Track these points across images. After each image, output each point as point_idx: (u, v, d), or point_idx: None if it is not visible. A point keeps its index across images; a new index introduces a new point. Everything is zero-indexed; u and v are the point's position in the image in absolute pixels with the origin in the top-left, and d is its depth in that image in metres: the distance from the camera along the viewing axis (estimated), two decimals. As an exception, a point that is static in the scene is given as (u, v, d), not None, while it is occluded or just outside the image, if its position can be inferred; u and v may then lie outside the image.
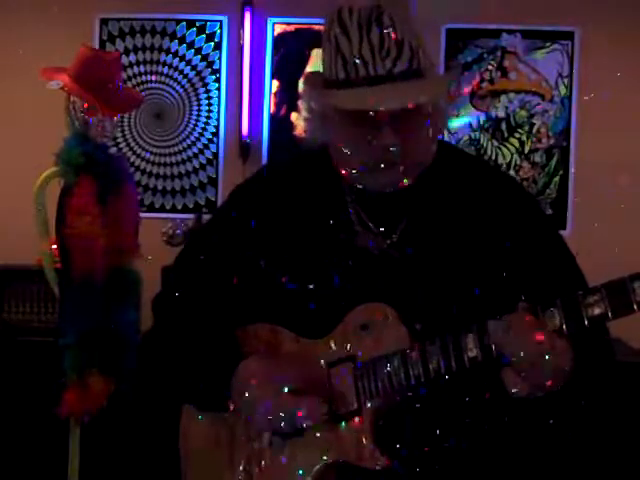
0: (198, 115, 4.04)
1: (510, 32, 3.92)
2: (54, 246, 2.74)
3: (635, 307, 1.14)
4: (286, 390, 1.29)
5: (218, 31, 4.02)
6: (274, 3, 4.00)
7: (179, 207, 4.05)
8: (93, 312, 2.62)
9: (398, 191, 1.34)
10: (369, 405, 1.30)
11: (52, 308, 3.43)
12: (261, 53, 4.00)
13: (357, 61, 1.25)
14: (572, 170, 3.92)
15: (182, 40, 4.04)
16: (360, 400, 1.30)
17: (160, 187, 4.07)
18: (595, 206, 3.82)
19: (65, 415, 2.68)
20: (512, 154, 3.95)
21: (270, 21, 3.99)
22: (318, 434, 1.32)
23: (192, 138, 4.05)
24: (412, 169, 1.32)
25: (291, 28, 4.02)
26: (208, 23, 4.02)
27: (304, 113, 1.44)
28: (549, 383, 1.18)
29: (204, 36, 4.03)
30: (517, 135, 3.95)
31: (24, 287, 3.51)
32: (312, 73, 1.44)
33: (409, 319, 1.30)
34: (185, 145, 4.06)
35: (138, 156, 4.06)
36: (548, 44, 3.92)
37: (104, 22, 4.04)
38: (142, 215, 2.92)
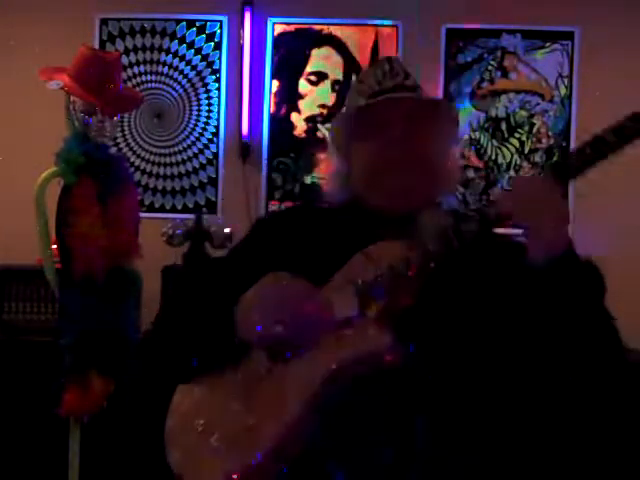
0: (198, 115, 4.04)
1: (510, 32, 3.92)
2: (54, 246, 2.74)
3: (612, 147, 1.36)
4: (286, 304, 1.34)
5: (218, 31, 4.02)
6: (274, 3, 4.00)
7: (179, 207, 4.05)
8: (93, 312, 2.62)
9: (407, 217, 1.45)
10: (371, 307, 1.34)
11: (52, 308, 3.43)
12: (261, 53, 4.01)
13: (373, 82, 1.53)
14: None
15: (182, 40, 4.04)
16: (363, 306, 1.34)
17: (160, 187, 4.07)
18: (595, 205, 3.82)
19: (65, 415, 2.68)
20: (512, 154, 3.95)
21: (270, 21, 4.00)
22: (319, 346, 1.33)
23: (192, 138, 4.05)
24: (421, 181, 1.46)
25: (291, 28, 4.02)
26: (208, 23, 4.02)
27: (331, 162, 1.59)
28: (558, 217, 1.29)
29: (204, 36, 4.03)
30: (517, 135, 3.95)
31: (24, 287, 3.51)
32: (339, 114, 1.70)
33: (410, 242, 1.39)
34: (185, 145, 4.06)
35: (138, 156, 4.06)
36: (548, 44, 3.92)
37: (104, 22, 4.04)
38: (142, 215, 2.92)
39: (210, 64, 4.04)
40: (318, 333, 1.34)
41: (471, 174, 3.95)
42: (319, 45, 3.99)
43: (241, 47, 3.99)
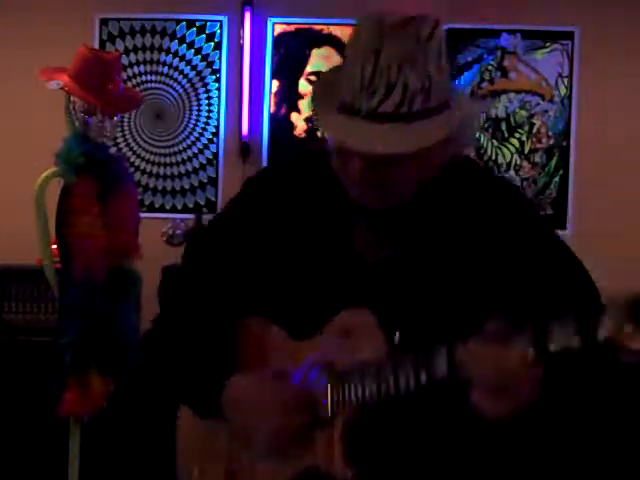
0: (198, 115, 4.04)
1: (510, 32, 3.92)
2: (54, 246, 2.74)
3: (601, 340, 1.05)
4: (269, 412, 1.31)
5: (218, 31, 4.02)
6: (274, 3, 4.00)
7: (179, 207, 4.05)
8: (93, 312, 2.62)
9: (400, 207, 1.32)
10: (341, 415, 1.29)
11: (52, 308, 3.43)
12: (261, 53, 4.01)
13: (349, 89, 1.21)
14: (572, 170, 3.92)
15: (182, 40, 4.04)
16: (333, 410, 1.30)
17: (160, 187, 4.07)
18: (595, 206, 3.82)
19: (65, 415, 2.68)
20: (512, 154, 3.95)
21: (270, 21, 4.00)
22: (293, 440, 1.32)
23: (192, 138, 4.06)
24: (395, 197, 1.29)
25: (291, 28, 4.02)
26: (208, 23, 4.02)
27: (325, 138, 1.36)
28: (514, 406, 1.13)
29: (204, 36, 4.03)
30: (517, 135, 3.95)
31: (24, 287, 3.51)
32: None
33: (389, 327, 1.28)
34: (185, 145, 4.06)
35: (138, 156, 4.06)
36: (548, 44, 3.92)
37: (104, 22, 4.04)
38: (142, 215, 2.92)
39: (210, 64, 4.04)
40: (291, 438, 1.32)
41: (471, 174, 3.95)
42: (319, 45, 3.99)
43: (241, 47, 3.99)
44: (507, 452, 1.31)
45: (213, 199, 4.04)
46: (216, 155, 4.05)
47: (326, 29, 3.99)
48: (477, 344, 1.11)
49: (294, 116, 4.02)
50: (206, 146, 4.05)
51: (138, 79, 4.06)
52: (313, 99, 1.34)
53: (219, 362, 1.38)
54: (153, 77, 4.06)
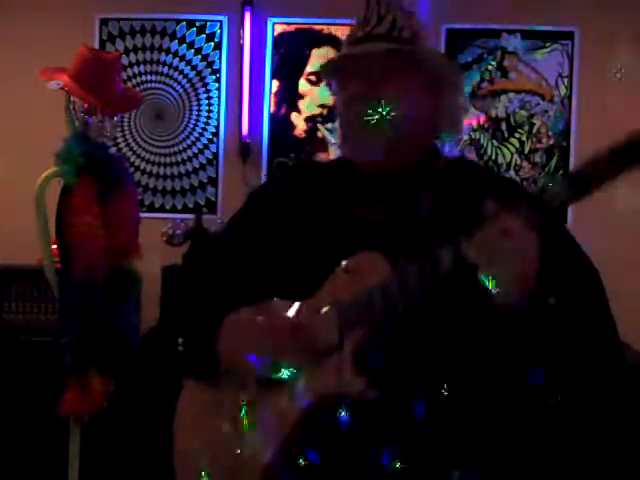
0: (198, 115, 4.04)
1: (510, 32, 3.93)
2: (54, 246, 2.74)
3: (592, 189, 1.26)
4: (264, 333, 1.37)
5: (218, 31, 4.02)
6: (274, 3, 4.00)
7: (179, 207, 4.06)
8: (93, 312, 2.62)
9: (397, 174, 1.43)
10: (350, 337, 1.33)
11: (52, 308, 3.43)
12: (261, 53, 4.01)
13: (351, 31, 1.46)
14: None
15: (182, 40, 4.04)
16: (342, 334, 1.34)
17: (160, 187, 4.07)
18: (595, 205, 3.81)
19: (65, 415, 2.68)
20: (512, 154, 3.95)
21: (270, 21, 4.00)
22: (300, 377, 1.36)
23: (192, 138, 4.06)
24: (393, 136, 1.38)
25: (291, 28, 4.02)
26: (208, 23, 4.02)
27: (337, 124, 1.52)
28: (519, 270, 1.18)
29: (204, 36, 4.03)
30: (517, 135, 3.95)
31: (24, 287, 3.51)
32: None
33: (394, 259, 1.34)
34: (185, 145, 4.06)
35: (138, 156, 4.06)
36: (548, 44, 3.92)
37: (104, 22, 4.04)
38: (142, 215, 2.92)
39: (210, 64, 4.04)
40: (301, 364, 1.37)
41: (471, 174, 3.95)
42: (319, 45, 3.99)
43: (241, 47, 3.99)
44: (517, 356, 1.30)
45: (213, 199, 4.04)
46: (216, 155, 4.05)
47: (326, 29, 4.00)
48: (480, 229, 1.19)
49: (294, 116, 4.03)
50: (206, 146, 4.05)
51: (138, 79, 4.06)
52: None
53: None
54: (153, 77, 4.06)
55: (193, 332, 1.48)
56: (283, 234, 1.48)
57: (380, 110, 1.37)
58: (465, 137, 3.94)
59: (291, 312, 1.41)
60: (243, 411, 1.41)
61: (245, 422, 1.41)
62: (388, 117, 1.37)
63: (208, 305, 1.49)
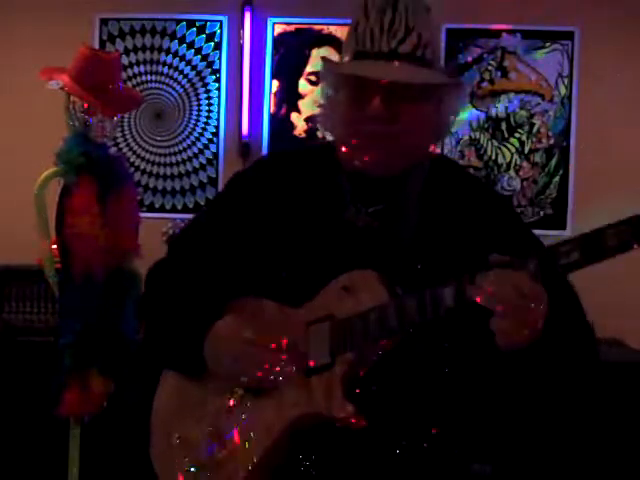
0: (198, 115, 4.04)
1: (510, 32, 3.92)
2: (54, 246, 2.74)
3: (606, 253, 1.23)
4: (261, 343, 1.34)
5: (218, 31, 4.02)
6: (274, 3, 4.00)
7: (179, 207, 4.05)
8: (93, 312, 2.62)
9: (387, 178, 1.42)
10: (342, 359, 1.32)
11: (52, 308, 3.43)
12: (261, 53, 4.00)
13: (367, 37, 1.37)
14: (572, 170, 3.92)
15: (182, 40, 4.04)
16: (334, 354, 1.33)
17: (160, 187, 4.07)
18: (595, 206, 3.81)
19: (65, 415, 2.68)
20: (512, 154, 3.95)
21: (270, 21, 4.00)
22: (289, 389, 1.35)
23: (192, 138, 4.05)
24: (397, 153, 1.40)
25: (291, 28, 4.02)
26: (208, 23, 4.02)
27: (319, 100, 1.49)
28: (532, 325, 1.20)
29: (204, 36, 4.03)
30: (517, 135, 3.95)
31: (24, 287, 3.51)
32: (328, 59, 1.52)
33: (390, 282, 1.34)
34: (185, 145, 4.06)
35: (138, 156, 4.06)
36: (548, 44, 3.92)
37: (104, 22, 4.04)
38: (142, 215, 2.92)
39: (210, 64, 4.04)
40: (290, 377, 1.35)
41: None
42: (319, 45, 3.99)
43: (241, 47, 3.99)
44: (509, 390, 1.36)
45: (213, 199, 4.04)
46: (216, 155, 4.05)
47: (326, 29, 3.99)
48: (487, 274, 1.20)
49: (294, 116, 4.02)
50: (206, 146, 4.05)
51: (138, 79, 4.06)
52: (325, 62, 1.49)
53: (205, 319, 1.42)
54: (153, 77, 4.06)
55: (177, 327, 1.46)
56: (269, 228, 1.47)
57: (391, 129, 1.37)
58: (465, 137, 3.94)
59: (280, 317, 1.40)
60: (225, 415, 1.41)
61: (226, 425, 1.40)
62: (397, 136, 1.37)
63: (193, 299, 1.47)
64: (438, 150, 1.51)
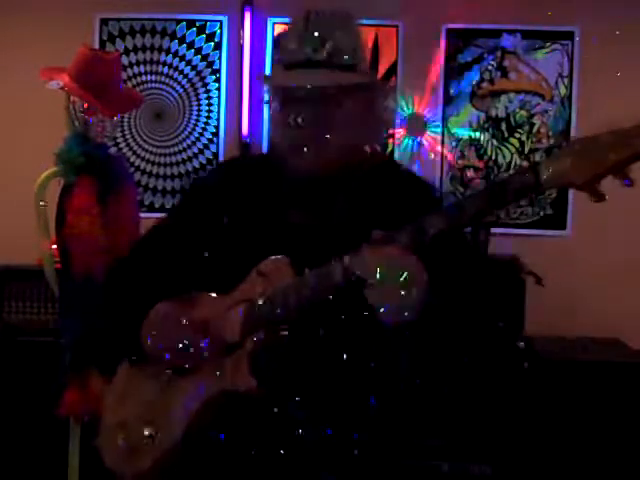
0: (198, 115, 4.04)
1: (510, 32, 3.92)
2: (54, 246, 2.74)
3: (466, 223, 1.35)
4: (180, 326, 1.48)
5: (218, 31, 4.02)
6: (274, 3, 3.99)
7: (179, 207, 4.05)
8: (93, 312, 2.62)
9: (321, 179, 1.51)
10: (251, 337, 1.45)
11: (52, 308, 3.43)
12: (261, 53, 4.00)
13: (286, 49, 1.50)
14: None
15: (182, 40, 4.04)
16: (244, 333, 1.46)
17: (160, 187, 4.07)
18: (595, 206, 3.81)
19: (65, 415, 2.68)
20: (512, 154, 3.95)
21: (270, 21, 3.99)
22: (208, 368, 1.48)
23: (192, 138, 4.05)
24: (325, 155, 1.47)
25: (291, 28, 4.01)
26: (208, 23, 4.02)
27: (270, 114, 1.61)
28: (408, 293, 1.28)
29: (204, 36, 4.03)
30: (517, 135, 3.95)
31: (24, 287, 3.51)
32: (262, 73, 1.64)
33: (300, 266, 1.45)
34: (185, 145, 4.06)
35: (138, 156, 4.06)
36: (548, 44, 3.92)
37: (104, 22, 4.04)
38: (142, 215, 2.92)
39: (210, 64, 4.04)
40: (211, 355, 1.48)
41: (471, 174, 3.95)
42: (319, 45, 3.99)
43: (241, 47, 3.99)
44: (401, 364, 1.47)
45: (213, 199, 4.04)
46: (216, 155, 4.05)
47: (326, 29, 3.99)
48: (367, 249, 1.32)
49: (294, 116, 4.02)
50: (206, 146, 4.05)
51: (138, 79, 4.06)
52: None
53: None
54: (153, 77, 4.06)
55: (123, 318, 1.60)
56: (215, 231, 1.57)
57: (315, 133, 1.46)
58: (465, 137, 3.94)
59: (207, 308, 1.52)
60: (155, 394, 1.55)
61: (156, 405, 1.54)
62: (324, 138, 1.47)
63: (140, 294, 1.58)
64: (386, 154, 1.61)
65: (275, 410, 1.48)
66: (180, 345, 1.47)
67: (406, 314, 1.29)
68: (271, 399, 1.46)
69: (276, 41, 1.54)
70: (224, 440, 1.51)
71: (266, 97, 1.56)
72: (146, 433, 1.51)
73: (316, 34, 1.47)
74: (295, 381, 1.49)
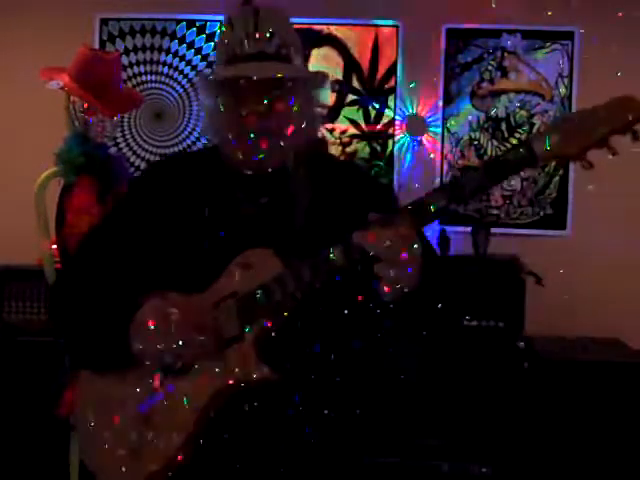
0: (198, 115, 4.04)
1: (510, 32, 3.93)
2: (54, 246, 2.74)
3: (467, 199, 1.37)
4: (174, 326, 1.45)
5: (218, 31, 4.02)
6: (274, 3, 3.99)
7: (179, 207, 4.05)
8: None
9: (271, 172, 1.52)
10: (250, 328, 1.45)
11: (52, 308, 3.43)
12: (261, 53, 4.00)
13: (236, 43, 1.49)
14: (572, 170, 3.92)
15: (182, 40, 4.04)
16: (243, 325, 1.45)
17: (160, 187, 4.06)
18: (595, 206, 3.82)
19: (65, 415, 2.68)
20: (512, 154, 3.95)
21: (270, 21, 3.99)
22: (207, 365, 1.46)
23: (192, 138, 4.06)
24: (274, 149, 1.49)
25: (291, 28, 4.01)
26: (208, 23, 4.02)
27: (202, 111, 1.62)
28: (411, 270, 1.33)
29: (204, 36, 4.03)
30: (517, 135, 3.95)
31: (24, 287, 3.51)
32: (202, 71, 1.60)
33: (284, 255, 1.46)
34: (185, 145, 4.06)
35: (138, 156, 4.06)
36: (548, 44, 3.92)
37: (104, 22, 4.04)
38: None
39: (210, 64, 4.03)
40: (206, 353, 1.46)
41: (471, 174, 3.95)
42: (319, 45, 3.99)
43: (241, 47, 3.98)
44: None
45: (213, 199, 4.04)
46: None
47: (326, 29, 3.99)
48: (367, 229, 1.34)
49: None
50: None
51: (138, 79, 4.06)
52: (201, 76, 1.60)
53: (125, 313, 1.50)
54: (153, 77, 4.06)
55: (97, 322, 1.53)
56: (167, 226, 1.56)
57: (268, 124, 1.48)
58: (465, 137, 3.94)
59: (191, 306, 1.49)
60: (150, 397, 1.50)
61: (153, 407, 1.50)
62: (274, 132, 1.48)
63: (106, 295, 1.55)
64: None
65: (294, 395, 1.49)
66: (175, 345, 1.45)
67: (407, 287, 1.34)
68: (287, 384, 1.46)
69: (219, 39, 1.57)
70: (232, 437, 1.50)
71: (204, 98, 1.56)
72: (149, 437, 1.48)
73: (265, 27, 1.49)
74: (305, 363, 1.50)
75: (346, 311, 1.49)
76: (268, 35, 1.49)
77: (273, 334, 1.44)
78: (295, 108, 1.50)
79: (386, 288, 1.33)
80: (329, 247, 1.40)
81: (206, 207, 1.55)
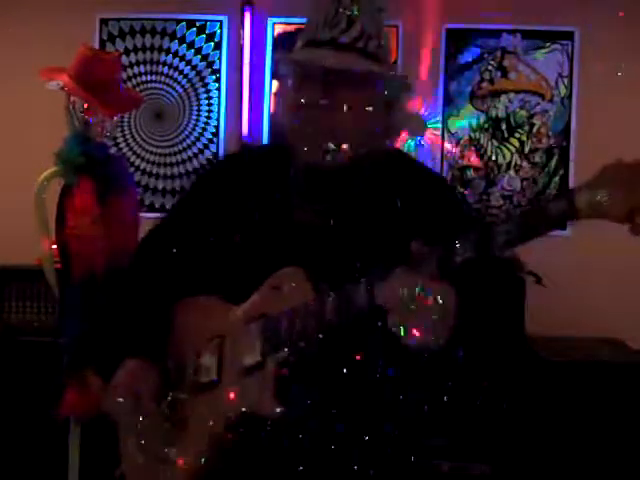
0: (198, 115, 4.04)
1: (510, 32, 3.92)
2: (54, 246, 2.74)
3: (496, 252, 1.31)
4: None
5: (218, 31, 4.02)
6: (274, 3, 3.99)
7: (179, 207, 4.05)
8: (93, 312, 2.62)
9: (335, 173, 1.44)
10: (272, 357, 1.37)
11: (52, 308, 3.43)
12: (261, 53, 4.00)
13: (312, 27, 1.43)
14: (572, 170, 3.92)
15: (182, 40, 4.04)
16: (265, 353, 1.38)
17: (160, 187, 4.07)
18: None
19: (65, 415, 2.68)
20: (512, 154, 3.95)
21: (270, 21, 3.99)
22: (228, 388, 1.41)
23: (192, 138, 4.05)
24: (339, 140, 1.40)
25: (291, 28, 4.01)
26: (208, 23, 4.02)
27: (272, 97, 1.51)
28: (433, 324, 1.22)
29: (204, 36, 4.03)
30: (517, 135, 3.95)
31: (24, 287, 3.51)
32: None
33: (316, 279, 1.37)
34: (185, 145, 4.06)
35: (138, 156, 4.06)
36: (548, 44, 3.92)
37: (104, 22, 4.04)
38: (142, 215, 2.92)
39: (210, 64, 4.04)
40: (230, 376, 1.43)
41: (471, 174, 3.95)
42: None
43: (241, 47, 3.99)
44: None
45: (213, 199, 4.03)
46: (216, 155, 4.05)
47: (326, 29, 3.99)
48: (393, 277, 1.24)
49: (294, 116, 4.02)
50: (206, 146, 4.05)
51: (138, 79, 4.06)
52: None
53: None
54: (153, 77, 4.06)
55: (130, 320, 1.55)
56: (225, 227, 1.52)
57: (330, 115, 1.40)
58: (465, 137, 3.94)
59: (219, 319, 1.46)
60: (172, 410, 1.49)
61: (173, 421, 1.48)
62: (337, 122, 1.40)
63: (148, 295, 1.55)
64: (397, 146, 1.57)
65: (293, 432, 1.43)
66: (198, 365, 1.43)
67: (433, 340, 1.24)
68: (290, 422, 1.40)
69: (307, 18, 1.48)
70: (247, 458, 1.46)
71: (278, 78, 1.50)
72: (170, 455, 1.46)
73: (346, 15, 1.41)
74: (319, 399, 1.43)
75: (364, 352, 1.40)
76: (346, 23, 1.41)
77: (293, 370, 1.37)
78: (363, 104, 1.41)
79: (403, 338, 1.23)
80: (354, 282, 1.29)
81: (257, 211, 1.49)
